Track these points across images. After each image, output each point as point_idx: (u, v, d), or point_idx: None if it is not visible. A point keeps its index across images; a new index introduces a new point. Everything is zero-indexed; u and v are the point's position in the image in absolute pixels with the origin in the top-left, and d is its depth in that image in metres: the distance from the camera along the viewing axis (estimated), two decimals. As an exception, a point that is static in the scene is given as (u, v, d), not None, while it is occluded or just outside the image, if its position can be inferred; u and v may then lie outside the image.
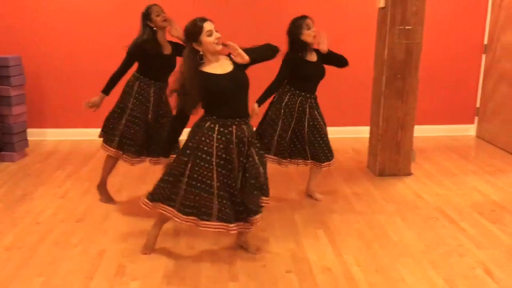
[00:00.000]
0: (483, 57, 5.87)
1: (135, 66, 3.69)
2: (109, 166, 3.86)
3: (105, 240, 3.27)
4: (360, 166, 4.87)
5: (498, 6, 5.55)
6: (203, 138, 2.80)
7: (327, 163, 3.83)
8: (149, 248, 3.10)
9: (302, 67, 3.66)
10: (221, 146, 2.79)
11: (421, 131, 5.72)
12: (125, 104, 3.66)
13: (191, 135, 2.87)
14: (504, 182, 4.41)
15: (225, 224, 2.83)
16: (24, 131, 5.13)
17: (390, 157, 4.54)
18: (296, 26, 3.62)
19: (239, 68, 2.87)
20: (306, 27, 3.60)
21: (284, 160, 3.81)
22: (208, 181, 2.80)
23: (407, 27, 4.25)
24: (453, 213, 3.73)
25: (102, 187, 3.94)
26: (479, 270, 2.91)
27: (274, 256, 3.07)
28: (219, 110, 2.82)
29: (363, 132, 5.27)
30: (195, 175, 2.81)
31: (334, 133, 5.78)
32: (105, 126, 3.76)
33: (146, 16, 3.56)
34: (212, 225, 2.84)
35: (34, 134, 5.66)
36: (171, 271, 2.89)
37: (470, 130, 6.11)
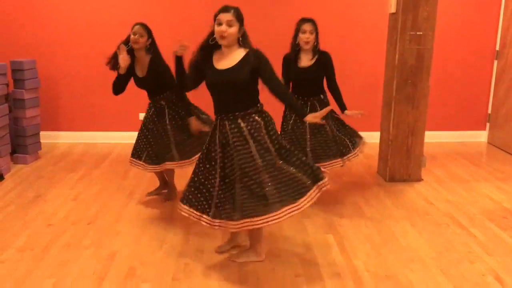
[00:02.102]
0: (495, 63, 5.84)
1: None
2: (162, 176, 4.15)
3: (116, 242, 3.30)
4: (370, 171, 4.87)
5: (510, 12, 5.52)
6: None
7: (338, 160, 3.82)
8: (223, 248, 3.20)
9: (291, 69, 3.74)
10: (209, 136, 2.95)
11: (432, 137, 5.71)
12: None
13: None
14: (516, 189, 4.39)
15: (194, 212, 2.91)
16: (38, 134, 5.20)
17: (400, 163, 4.53)
18: (296, 27, 3.71)
19: (243, 66, 2.77)
20: (301, 31, 3.64)
21: None
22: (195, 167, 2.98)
23: (418, 33, 4.25)
24: (464, 219, 3.72)
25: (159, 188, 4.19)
26: (490, 277, 2.90)
27: (283, 260, 3.08)
28: (213, 102, 2.93)
29: (374, 137, 5.26)
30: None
31: (344, 138, 5.81)
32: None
33: None
34: (186, 209, 2.94)
35: (47, 137, 5.73)
36: (181, 274, 2.91)
37: (481, 136, 6.08)
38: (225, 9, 2.74)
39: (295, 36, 3.70)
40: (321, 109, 3.71)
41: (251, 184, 2.73)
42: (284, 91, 2.99)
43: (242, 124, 2.81)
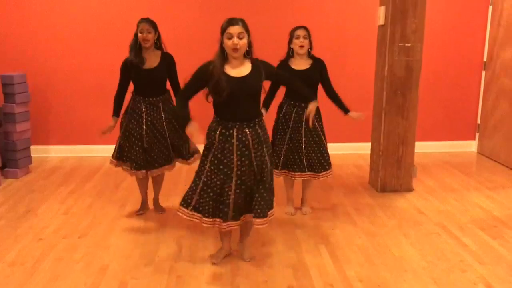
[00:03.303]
0: (483, 73, 5.92)
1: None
2: (140, 184, 4.00)
3: (108, 256, 3.28)
4: (362, 181, 4.88)
5: (497, 23, 5.61)
6: (208, 139, 2.95)
7: (324, 172, 3.86)
8: (217, 258, 3.21)
9: (287, 73, 3.69)
10: (219, 146, 2.90)
11: (422, 148, 5.75)
12: (123, 122, 3.83)
13: (205, 137, 3.01)
14: (506, 198, 4.41)
15: (199, 215, 2.98)
16: (28, 148, 5.17)
17: (391, 173, 4.55)
18: (289, 35, 3.78)
19: (256, 73, 2.90)
20: (295, 36, 3.72)
21: (277, 171, 3.85)
22: (201, 175, 2.97)
23: (406, 45, 4.30)
24: (455, 228, 3.74)
25: (143, 206, 4.06)
26: (481, 285, 2.91)
27: (275, 271, 3.07)
28: (222, 112, 2.92)
29: (365, 148, 5.30)
30: (199, 172, 3.00)
31: (336, 149, 5.84)
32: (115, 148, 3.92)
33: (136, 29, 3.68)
34: (187, 213, 2.99)
35: (38, 151, 5.70)
36: (173, 287, 2.89)
37: (471, 146, 6.14)
38: (233, 22, 2.80)
39: (289, 42, 3.77)
40: (316, 114, 3.79)
41: (268, 183, 3.02)
42: (293, 80, 3.35)
43: (259, 130, 2.94)
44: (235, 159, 2.88)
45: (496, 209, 4.15)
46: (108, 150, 5.77)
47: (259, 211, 2.93)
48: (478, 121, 6.05)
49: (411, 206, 4.22)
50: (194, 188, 2.98)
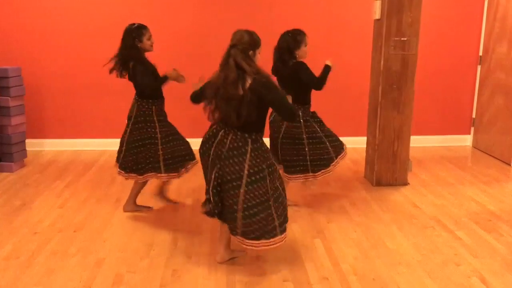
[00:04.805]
0: (478, 68, 5.92)
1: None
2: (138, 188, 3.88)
3: (103, 249, 3.28)
4: (357, 176, 4.90)
5: (493, 17, 5.62)
6: (260, 159, 2.84)
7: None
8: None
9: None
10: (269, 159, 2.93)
11: (418, 142, 5.76)
12: (132, 130, 3.66)
13: (251, 161, 2.80)
14: (500, 192, 4.44)
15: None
16: (23, 142, 5.15)
17: (386, 167, 4.57)
18: (297, 39, 3.64)
19: None
20: (307, 43, 3.66)
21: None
22: (268, 196, 2.84)
23: (402, 39, 4.30)
24: (449, 222, 3.76)
25: (131, 205, 3.90)
26: (475, 279, 2.93)
27: (271, 265, 3.08)
28: (263, 125, 2.94)
29: (360, 142, 5.31)
30: (262, 196, 2.82)
31: (331, 143, 5.85)
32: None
33: (136, 35, 3.57)
34: (279, 239, 2.89)
35: (33, 145, 5.69)
36: (169, 280, 2.90)
37: (466, 140, 6.15)
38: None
39: (296, 48, 3.65)
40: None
41: None
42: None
43: None
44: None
45: (490, 203, 4.17)
46: (104, 143, 5.80)
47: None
48: (473, 116, 6.06)
49: (406, 200, 4.24)
50: (270, 211, 2.83)
